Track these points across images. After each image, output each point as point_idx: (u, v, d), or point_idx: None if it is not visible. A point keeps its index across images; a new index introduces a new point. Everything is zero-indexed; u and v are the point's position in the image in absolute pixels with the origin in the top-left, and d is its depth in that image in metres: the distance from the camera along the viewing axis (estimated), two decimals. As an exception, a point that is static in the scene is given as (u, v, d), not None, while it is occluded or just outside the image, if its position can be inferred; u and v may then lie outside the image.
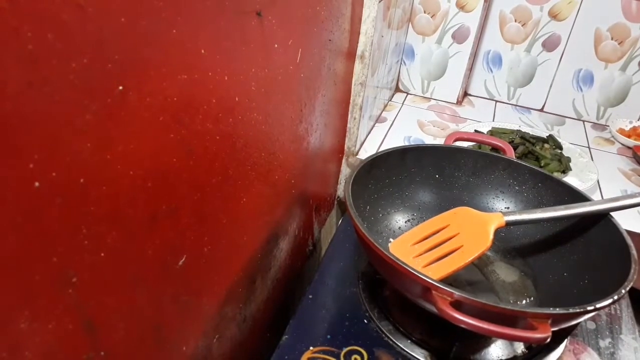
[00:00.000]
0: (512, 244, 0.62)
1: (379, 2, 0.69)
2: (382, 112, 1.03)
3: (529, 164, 0.63)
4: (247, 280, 0.51)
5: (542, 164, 0.83)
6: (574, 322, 0.45)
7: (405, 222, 0.64)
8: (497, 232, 0.52)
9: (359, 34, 0.70)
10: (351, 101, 0.76)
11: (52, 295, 0.24)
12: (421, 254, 0.52)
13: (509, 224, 0.52)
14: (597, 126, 1.08)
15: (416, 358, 0.49)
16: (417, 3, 1.02)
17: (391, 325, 0.52)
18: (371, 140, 0.91)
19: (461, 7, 1.00)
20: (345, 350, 0.49)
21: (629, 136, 1.00)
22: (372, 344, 0.50)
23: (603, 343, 0.54)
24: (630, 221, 0.75)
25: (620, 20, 0.96)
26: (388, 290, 0.56)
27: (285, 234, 0.61)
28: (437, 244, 0.53)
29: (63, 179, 0.23)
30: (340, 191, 0.86)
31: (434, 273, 0.49)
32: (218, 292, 0.45)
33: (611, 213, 0.53)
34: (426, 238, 0.54)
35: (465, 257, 0.50)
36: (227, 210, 0.42)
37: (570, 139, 0.97)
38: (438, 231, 0.54)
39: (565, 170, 0.84)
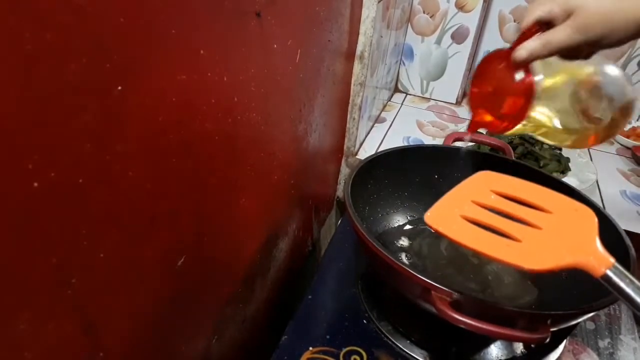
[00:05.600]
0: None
1: (378, 2, 0.69)
2: (381, 112, 1.03)
3: (528, 164, 0.63)
4: (247, 280, 0.51)
5: (541, 164, 0.83)
6: (573, 323, 0.45)
7: (405, 222, 0.64)
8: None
9: (358, 34, 0.70)
10: (350, 101, 0.76)
11: (51, 296, 0.24)
12: (474, 220, 0.39)
13: (604, 279, 0.34)
14: (596, 126, 1.08)
15: (415, 358, 0.49)
16: (417, 3, 1.02)
17: (390, 326, 0.52)
18: (370, 141, 0.91)
19: (460, 7, 1.00)
20: (344, 350, 0.49)
21: (628, 136, 1.00)
22: (372, 344, 0.50)
23: (602, 343, 0.54)
24: (630, 221, 0.75)
25: (619, 21, 0.96)
26: (387, 291, 0.56)
27: (284, 234, 0.61)
28: (506, 214, 0.39)
29: (62, 179, 0.23)
30: (340, 191, 0.86)
31: (465, 236, 0.38)
32: (217, 293, 0.45)
33: (609, 212, 0.53)
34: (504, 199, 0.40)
35: (524, 258, 0.35)
36: (226, 211, 0.42)
37: (569, 139, 0.97)
38: (524, 204, 0.39)
39: (565, 170, 0.84)
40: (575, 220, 0.37)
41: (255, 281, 0.54)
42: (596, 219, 0.37)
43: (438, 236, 0.63)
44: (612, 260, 0.34)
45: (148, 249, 0.32)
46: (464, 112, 1.09)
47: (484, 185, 0.42)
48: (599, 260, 0.34)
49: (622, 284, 0.33)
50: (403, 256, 0.59)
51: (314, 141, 0.63)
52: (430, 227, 0.40)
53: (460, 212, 0.40)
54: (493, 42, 1.07)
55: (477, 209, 0.40)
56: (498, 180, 0.43)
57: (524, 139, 0.89)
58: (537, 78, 0.45)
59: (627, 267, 0.45)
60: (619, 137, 0.99)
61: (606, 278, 0.33)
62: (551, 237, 0.37)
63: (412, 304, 0.48)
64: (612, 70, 0.48)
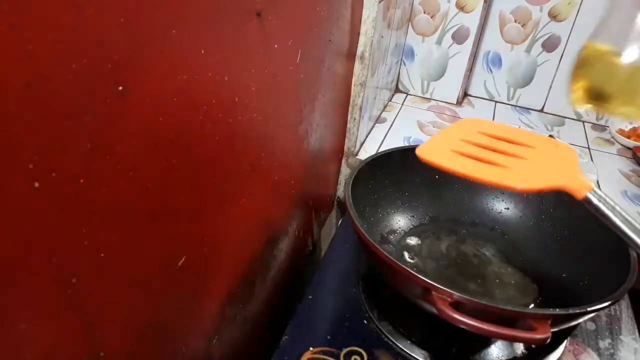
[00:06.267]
0: (512, 244, 0.62)
1: (379, 2, 0.69)
2: (381, 112, 1.02)
3: (529, 165, 0.63)
4: (247, 280, 0.51)
5: (541, 165, 0.83)
6: (573, 323, 0.45)
7: (405, 222, 0.64)
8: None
9: (358, 34, 0.70)
10: (351, 102, 0.76)
11: (51, 295, 0.24)
12: (464, 154, 0.42)
13: (586, 201, 0.39)
14: (597, 127, 1.08)
15: (415, 359, 0.49)
16: (417, 3, 1.02)
17: (391, 326, 0.52)
18: (371, 141, 0.91)
19: (461, 8, 1.00)
20: (345, 350, 0.49)
21: (628, 137, 1.00)
22: (372, 345, 0.50)
23: (603, 344, 0.54)
24: (630, 222, 0.75)
25: (620, 21, 0.96)
26: (388, 291, 0.56)
27: (284, 235, 0.61)
28: (493, 150, 0.42)
29: (63, 179, 0.23)
30: (340, 192, 0.86)
31: (457, 165, 0.40)
32: (217, 293, 0.45)
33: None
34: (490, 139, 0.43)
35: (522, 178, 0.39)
36: (227, 211, 0.42)
37: (570, 139, 0.97)
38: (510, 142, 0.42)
39: (565, 170, 0.84)
40: (557, 154, 0.41)
41: (255, 281, 0.54)
42: (577, 155, 0.41)
43: (439, 236, 0.63)
44: (592, 185, 0.39)
45: (148, 249, 0.32)
46: (465, 112, 1.09)
47: (471, 128, 0.45)
48: (581, 185, 0.39)
49: (600, 205, 0.38)
50: (406, 256, 0.59)
51: (315, 141, 0.63)
52: (422, 158, 0.42)
53: (450, 147, 0.42)
54: (493, 42, 1.07)
55: (466, 145, 0.43)
56: (484, 124, 0.46)
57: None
58: None
59: (627, 267, 0.45)
60: (620, 138, 0.99)
61: (587, 200, 0.38)
62: (537, 165, 0.40)
63: (413, 304, 0.48)
64: None
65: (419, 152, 0.42)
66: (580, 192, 0.38)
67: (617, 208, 0.38)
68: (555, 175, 0.39)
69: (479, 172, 0.40)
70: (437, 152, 0.42)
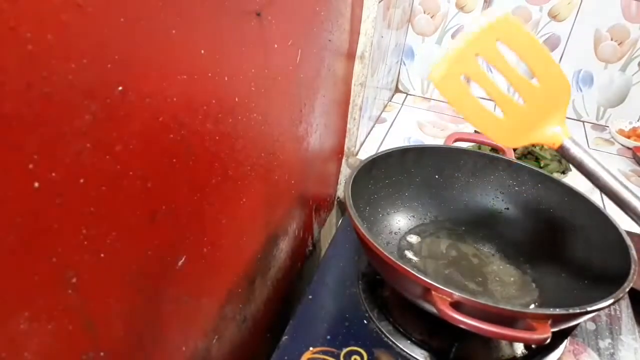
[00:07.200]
0: (512, 244, 0.62)
1: (379, 2, 0.69)
2: (381, 112, 1.03)
3: (529, 165, 0.63)
4: (247, 280, 0.51)
5: (541, 165, 0.83)
6: (573, 323, 0.45)
7: (405, 222, 0.64)
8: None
9: (358, 34, 0.70)
10: (351, 102, 0.76)
11: (51, 295, 0.24)
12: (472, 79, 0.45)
13: (562, 148, 0.44)
14: (596, 127, 1.08)
15: (416, 358, 0.49)
16: (417, 3, 1.03)
17: (391, 326, 0.52)
18: (371, 141, 0.91)
19: (461, 8, 1.00)
20: (345, 350, 0.49)
21: (628, 137, 1.00)
22: (372, 345, 0.50)
23: (603, 344, 0.54)
24: (630, 221, 0.75)
25: (620, 21, 0.97)
26: (388, 291, 0.56)
27: (284, 234, 0.61)
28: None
29: (62, 179, 0.23)
30: (340, 191, 0.86)
31: (463, 105, 0.45)
32: (217, 293, 0.45)
33: (610, 213, 0.53)
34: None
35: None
36: (227, 211, 0.42)
37: (570, 139, 0.97)
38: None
39: (565, 170, 0.84)
40: (554, 95, 0.45)
41: (255, 281, 0.54)
42: (569, 94, 0.45)
43: (439, 236, 0.63)
44: (564, 138, 0.44)
45: (148, 249, 0.32)
46: (465, 112, 1.09)
47: (492, 36, 0.46)
48: (555, 138, 0.44)
49: (574, 150, 0.44)
50: (406, 256, 0.59)
51: (315, 141, 0.63)
52: (434, 83, 0.44)
53: (462, 70, 0.45)
54: (494, 42, 1.07)
55: (478, 67, 0.46)
56: (512, 30, 0.46)
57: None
58: None
59: (627, 267, 0.45)
60: (620, 138, 0.99)
61: (561, 148, 0.44)
62: (528, 117, 0.45)
63: (413, 304, 0.48)
64: None
65: (433, 75, 0.44)
66: (554, 146, 0.44)
67: (590, 155, 0.44)
68: (539, 130, 0.44)
69: (475, 117, 0.45)
70: (448, 79, 0.44)
